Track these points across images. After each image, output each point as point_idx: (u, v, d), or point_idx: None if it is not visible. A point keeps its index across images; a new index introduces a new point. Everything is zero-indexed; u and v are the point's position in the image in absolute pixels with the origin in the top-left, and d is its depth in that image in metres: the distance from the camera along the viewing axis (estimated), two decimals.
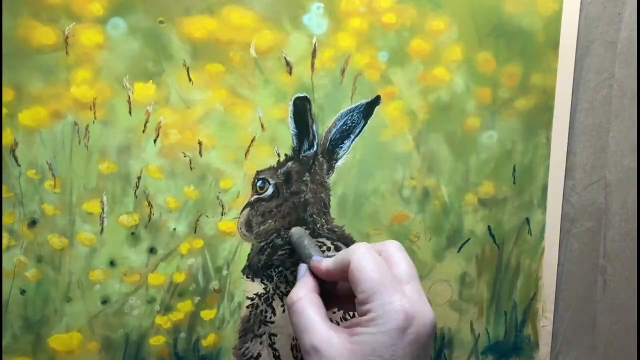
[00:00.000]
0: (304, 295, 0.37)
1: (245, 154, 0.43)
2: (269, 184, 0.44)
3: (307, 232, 0.44)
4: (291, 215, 0.45)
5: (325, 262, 0.38)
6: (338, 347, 0.34)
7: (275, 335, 0.45)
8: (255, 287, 0.45)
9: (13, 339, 0.41)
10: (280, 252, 0.45)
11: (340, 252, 0.37)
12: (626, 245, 0.52)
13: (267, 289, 0.45)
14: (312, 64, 0.44)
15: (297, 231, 0.43)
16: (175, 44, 0.41)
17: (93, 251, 0.42)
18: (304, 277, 0.39)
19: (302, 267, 0.40)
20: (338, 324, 0.39)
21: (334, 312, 0.45)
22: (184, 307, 0.44)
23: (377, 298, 0.34)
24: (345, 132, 0.45)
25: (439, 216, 0.48)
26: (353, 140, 0.45)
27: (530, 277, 0.50)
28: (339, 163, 0.45)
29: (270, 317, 0.45)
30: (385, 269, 0.35)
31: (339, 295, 0.40)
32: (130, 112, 0.41)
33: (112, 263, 0.42)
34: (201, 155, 0.43)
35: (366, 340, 0.33)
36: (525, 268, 0.50)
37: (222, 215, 0.44)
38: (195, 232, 0.43)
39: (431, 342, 0.35)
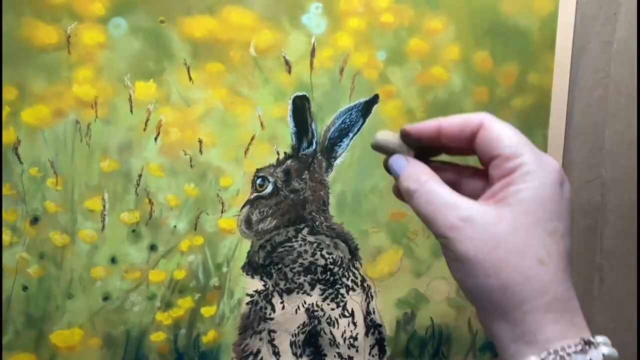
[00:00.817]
0: (428, 177, 0.31)
1: (245, 152, 0.44)
2: (269, 181, 0.45)
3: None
4: (290, 212, 0.45)
5: (432, 122, 0.32)
6: (490, 213, 0.29)
7: (274, 331, 0.45)
8: (255, 284, 0.45)
9: (15, 334, 0.42)
10: (279, 249, 0.45)
11: (453, 116, 0.32)
12: (622, 242, 0.53)
13: (267, 286, 0.45)
14: (311, 63, 0.44)
15: (385, 135, 0.34)
16: (176, 43, 0.42)
17: (94, 248, 0.42)
18: (411, 164, 0.32)
19: (400, 158, 0.33)
20: None
21: None
22: (185, 303, 0.44)
23: (528, 151, 0.30)
24: (344, 131, 0.45)
25: None
26: (352, 138, 0.46)
27: None
28: (338, 161, 0.46)
29: (270, 314, 0.45)
30: (520, 133, 0.31)
31: None
32: (131, 111, 0.42)
33: (113, 260, 0.43)
34: (201, 154, 0.43)
35: (529, 196, 0.29)
36: None
37: (222, 212, 0.44)
38: (195, 229, 0.44)
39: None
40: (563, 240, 0.29)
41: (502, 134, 0.30)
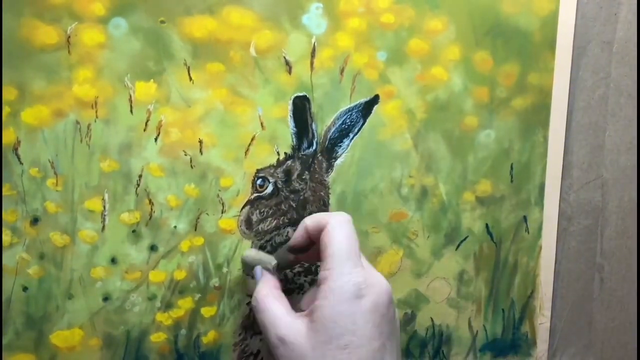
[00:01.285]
0: (267, 292, 0.38)
1: (245, 153, 0.44)
2: (269, 182, 0.45)
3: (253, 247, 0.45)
4: (290, 213, 0.45)
5: (302, 223, 0.38)
6: (301, 330, 0.34)
7: None
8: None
9: (15, 335, 0.42)
10: (279, 250, 0.45)
11: (319, 214, 0.38)
12: (623, 243, 0.53)
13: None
14: (312, 64, 0.44)
15: (249, 252, 0.43)
16: (176, 43, 0.42)
17: (94, 248, 0.42)
18: (264, 276, 0.40)
19: (258, 269, 0.40)
20: None
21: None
22: (185, 304, 0.44)
23: (335, 267, 0.34)
24: (344, 131, 0.45)
25: (437, 214, 0.48)
26: (352, 139, 0.46)
27: (527, 274, 0.51)
28: (338, 161, 0.46)
29: None
30: (355, 242, 0.36)
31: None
32: (131, 111, 0.42)
33: (113, 260, 0.43)
34: (202, 154, 0.43)
35: (326, 314, 0.33)
36: (523, 266, 0.50)
37: (222, 213, 0.44)
38: (195, 229, 0.44)
39: (391, 311, 0.35)
40: (357, 351, 0.33)
41: (328, 242, 0.35)
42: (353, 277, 0.34)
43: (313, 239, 0.38)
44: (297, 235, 0.39)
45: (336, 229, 0.36)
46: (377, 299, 0.34)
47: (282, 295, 0.38)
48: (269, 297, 0.37)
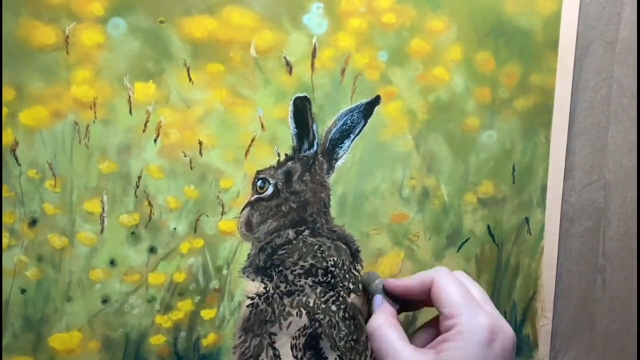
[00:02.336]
0: (385, 321, 0.38)
1: (246, 154, 0.44)
2: (269, 183, 0.44)
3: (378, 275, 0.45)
4: (291, 214, 0.45)
5: (404, 280, 0.40)
6: None
7: (275, 334, 0.45)
8: (256, 286, 0.45)
9: (13, 337, 0.41)
10: (280, 252, 0.45)
11: (419, 273, 0.40)
12: (625, 244, 0.52)
13: (267, 289, 0.45)
14: (312, 64, 0.44)
15: (371, 274, 0.45)
16: (176, 43, 0.41)
17: (93, 250, 0.42)
18: (382, 305, 0.40)
19: (378, 298, 0.41)
20: None
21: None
22: (184, 306, 0.44)
23: (463, 312, 0.35)
24: (345, 132, 0.45)
25: (438, 216, 0.48)
26: (353, 139, 0.45)
27: (529, 276, 0.50)
28: (339, 163, 0.45)
29: (270, 317, 0.45)
30: (465, 288, 0.37)
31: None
32: (130, 112, 0.41)
33: (112, 262, 0.42)
34: (201, 155, 0.43)
35: (456, 355, 0.34)
36: (525, 267, 0.50)
37: (222, 214, 0.44)
38: (195, 231, 0.43)
39: (514, 357, 0.36)
40: None
41: (444, 292, 0.37)
42: (481, 320, 0.35)
43: (414, 295, 0.39)
44: (397, 285, 0.40)
45: (445, 278, 0.37)
46: (505, 345, 0.35)
47: (400, 326, 0.38)
48: (387, 325, 0.38)
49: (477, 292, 0.38)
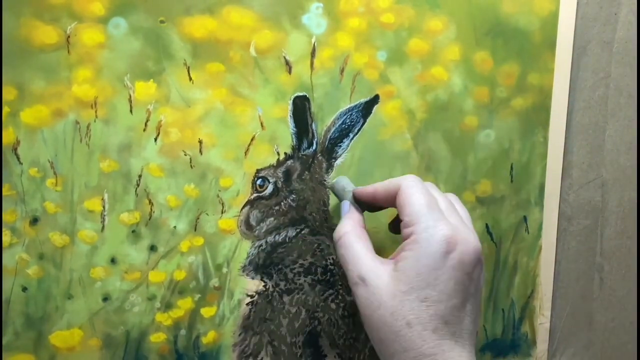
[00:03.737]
0: (351, 229, 0.38)
1: (245, 153, 0.44)
2: (269, 182, 0.45)
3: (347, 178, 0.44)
4: (290, 213, 0.45)
5: (372, 186, 0.39)
6: (384, 275, 0.35)
7: (274, 332, 0.45)
8: (255, 284, 0.45)
9: (14, 335, 0.42)
10: (279, 250, 0.45)
11: (388, 180, 0.39)
12: (623, 243, 0.53)
13: (267, 287, 0.45)
14: (312, 64, 0.44)
15: (341, 180, 0.44)
16: (176, 43, 0.41)
17: (94, 249, 0.42)
18: (349, 212, 0.40)
19: (346, 204, 0.41)
20: None
21: None
22: (184, 304, 0.44)
23: (422, 221, 0.35)
24: (344, 131, 0.45)
25: None
26: (352, 139, 0.45)
27: (527, 275, 0.51)
28: (338, 162, 0.46)
29: (270, 315, 0.45)
30: (432, 198, 0.36)
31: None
32: (131, 111, 0.42)
33: (113, 260, 0.43)
34: (201, 154, 0.43)
35: (409, 265, 0.34)
36: (523, 266, 0.50)
37: (222, 213, 0.44)
38: (195, 230, 0.44)
39: (478, 270, 0.35)
40: (435, 306, 0.33)
41: (407, 200, 0.36)
42: (439, 230, 0.34)
43: (381, 202, 0.39)
44: (365, 191, 0.40)
45: (411, 187, 0.36)
46: (463, 256, 0.34)
47: (366, 234, 0.38)
48: (353, 234, 0.38)
49: (444, 203, 0.37)
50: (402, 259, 0.34)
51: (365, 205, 0.41)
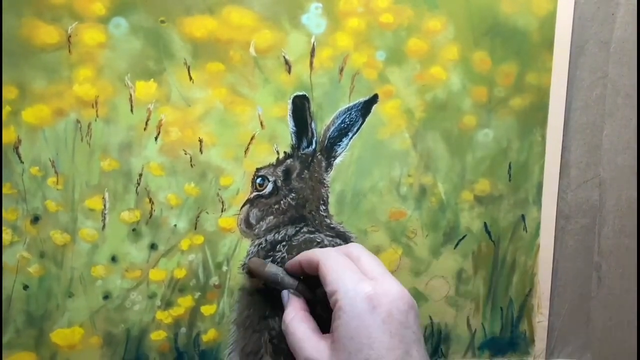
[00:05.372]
0: (294, 315, 0.39)
1: (245, 152, 0.44)
2: (268, 181, 0.45)
3: (263, 259, 0.44)
4: (290, 211, 0.45)
5: (296, 258, 0.41)
6: (325, 351, 0.35)
7: (274, 330, 0.46)
8: (255, 282, 0.45)
9: (16, 333, 0.42)
10: (279, 248, 0.45)
11: (309, 251, 0.40)
12: (620, 242, 0.53)
13: (267, 285, 0.45)
14: (311, 63, 0.44)
15: (256, 262, 0.44)
16: (176, 43, 0.42)
17: (95, 247, 0.42)
18: (290, 299, 0.41)
19: (285, 293, 0.42)
20: None
21: None
22: (185, 302, 0.44)
23: (341, 286, 0.35)
24: (343, 130, 0.46)
25: (435, 213, 0.48)
26: (351, 138, 0.46)
27: (525, 273, 0.51)
28: (337, 160, 0.46)
29: (270, 313, 0.46)
30: (349, 263, 0.37)
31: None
32: (131, 110, 0.42)
33: (113, 259, 0.43)
34: (201, 153, 0.43)
35: (342, 332, 0.34)
36: (521, 264, 0.51)
37: (222, 212, 0.44)
38: (195, 228, 0.44)
39: (411, 318, 0.35)
40: None
41: (326, 271, 0.37)
42: (359, 291, 0.35)
43: (308, 272, 0.40)
44: (292, 264, 0.41)
45: (328, 258, 0.38)
46: (391, 308, 0.34)
47: (309, 317, 0.39)
48: (295, 320, 0.39)
49: (366, 259, 0.38)
50: (335, 329, 0.35)
51: (298, 276, 0.42)
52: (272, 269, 0.42)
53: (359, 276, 0.36)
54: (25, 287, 0.42)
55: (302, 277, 0.42)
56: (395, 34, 0.45)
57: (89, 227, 0.42)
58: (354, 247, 0.40)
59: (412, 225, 0.48)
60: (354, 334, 0.33)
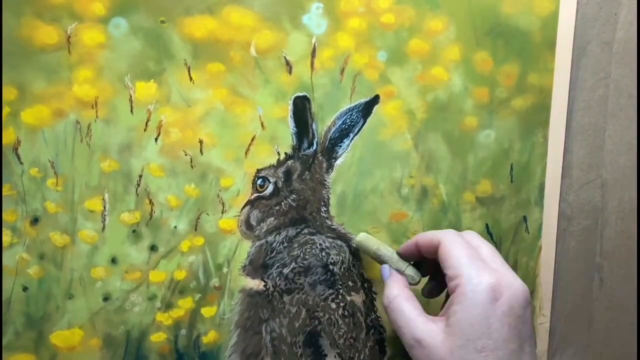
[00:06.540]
0: (398, 292, 0.39)
1: (246, 153, 0.44)
2: (269, 182, 0.45)
3: (370, 235, 0.45)
4: (291, 213, 0.45)
5: (414, 239, 0.41)
6: (438, 334, 0.35)
7: (275, 331, 0.45)
8: (255, 284, 0.45)
9: (15, 335, 0.42)
10: (279, 250, 0.45)
11: (430, 232, 0.41)
12: (622, 243, 0.53)
13: (267, 286, 0.45)
14: (312, 64, 0.44)
15: (364, 238, 0.44)
16: (176, 43, 0.42)
17: (95, 248, 0.42)
18: (392, 276, 0.41)
19: (386, 268, 0.42)
20: None
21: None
22: (185, 304, 0.44)
23: (465, 272, 0.35)
24: (344, 131, 0.45)
25: (437, 214, 0.48)
26: (352, 139, 0.46)
27: (527, 274, 0.51)
28: (339, 162, 0.46)
29: (270, 315, 0.45)
30: (472, 250, 0.37)
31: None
32: (131, 111, 0.42)
33: (113, 260, 0.43)
34: (202, 154, 0.43)
35: (461, 318, 0.34)
36: (523, 266, 0.51)
37: (222, 213, 0.44)
38: (196, 229, 0.44)
39: (528, 313, 0.36)
40: (493, 354, 0.33)
41: (448, 254, 0.37)
42: (484, 280, 0.35)
43: (424, 254, 0.40)
44: (407, 246, 0.42)
45: (452, 242, 0.38)
46: (512, 301, 0.35)
47: (413, 295, 0.39)
48: (401, 297, 0.38)
49: (487, 250, 0.38)
50: (453, 314, 0.35)
51: (408, 258, 0.43)
52: (383, 250, 0.43)
53: (483, 265, 0.36)
54: (25, 288, 0.41)
55: (412, 263, 0.42)
56: (397, 34, 0.45)
57: (88, 228, 0.42)
58: (473, 235, 0.40)
59: (413, 227, 0.48)
60: (474, 322, 0.34)
